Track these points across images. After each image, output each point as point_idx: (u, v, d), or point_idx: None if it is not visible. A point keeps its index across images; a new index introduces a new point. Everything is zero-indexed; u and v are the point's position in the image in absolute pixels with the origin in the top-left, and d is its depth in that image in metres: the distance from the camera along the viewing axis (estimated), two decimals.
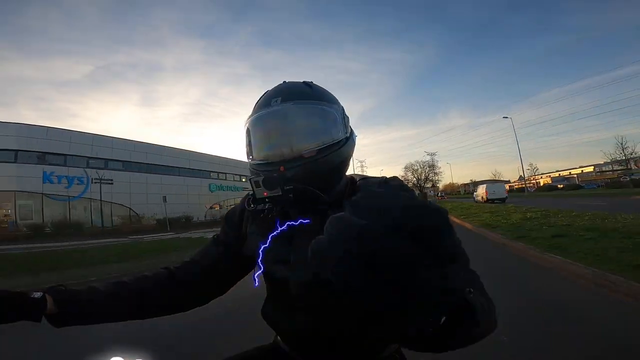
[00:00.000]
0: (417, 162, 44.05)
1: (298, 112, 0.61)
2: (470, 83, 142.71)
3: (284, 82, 0.67)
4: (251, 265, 0.70)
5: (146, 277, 0.68)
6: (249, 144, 0.66)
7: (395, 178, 0.64)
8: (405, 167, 44.40)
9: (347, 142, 0.65)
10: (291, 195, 0.59)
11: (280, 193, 0.59)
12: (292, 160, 0.60)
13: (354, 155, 0.70)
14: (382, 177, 0.65)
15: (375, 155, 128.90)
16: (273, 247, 0.63)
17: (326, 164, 0.61)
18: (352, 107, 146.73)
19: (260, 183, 0.60)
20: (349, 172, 0.71)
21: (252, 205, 0.64)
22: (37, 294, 0.57)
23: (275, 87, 0.66)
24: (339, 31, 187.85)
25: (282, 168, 0.59)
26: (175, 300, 0.69)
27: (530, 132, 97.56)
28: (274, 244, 0.63)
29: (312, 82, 0.67)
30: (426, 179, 42.74)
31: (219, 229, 0.76)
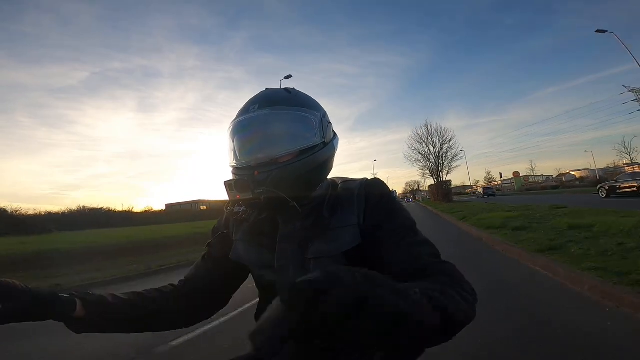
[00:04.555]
0: (413, 181, 74.52)
1: (273, 119, 0.62)
2: (467, 84, 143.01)
3: (267, 88, 0.69)
4: (247, 273, 0.72)
5: (158, 291, 0.69)
6: (230, 149, 0.68)
7: (376, 179, 0.65)
8: (406, 184, 76.46)
9: (324, 147, 0.64)
10: (262, 199, 0.60)
11: (251, 196, 0.60)
12: (267, 165, 0.61)
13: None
14: (363, 179, 0.65)
15: (373, 158, 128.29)
16: (257, 253, 0.65)
17: (301, 169, 0.61)
18: (349, 110, 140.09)
19: (233, 186, 0.62)
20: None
21: (228, 208, 0.65)
22: (65, 295, 0.57)
23: (257, 94, 0.67)
24: (334, 35, 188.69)
25: (256, 172, 0.61)
26: (182, 315, 0.71)
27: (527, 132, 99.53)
28: (258, 249, 0.65)
29: (293, 88, 0.69)
30: (417, 189, 75.88)
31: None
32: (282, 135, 0.62)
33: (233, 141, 0.66)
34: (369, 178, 0.65)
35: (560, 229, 6.16)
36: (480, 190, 48.72)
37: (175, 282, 0.73)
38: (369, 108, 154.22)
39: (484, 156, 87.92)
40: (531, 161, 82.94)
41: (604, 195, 15.37)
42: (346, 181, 0.67)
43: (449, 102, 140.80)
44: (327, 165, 0.66)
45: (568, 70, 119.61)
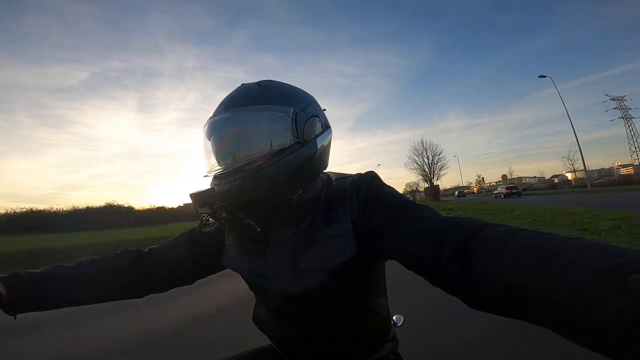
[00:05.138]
0: (412, 182, 75.73)
1: (232, 122, 0.55)
2: (467, 85, 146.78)
3: (242, 84, 0.60)
4: (220, 268, 0.70)
5: (114, 260, 0.67)
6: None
7: (368, 173, 0.60)
8: (406, 185, 77.65)
9: (301, 147, 0.54)
10: (224, 215, 0.57)
11: (210, 210, 0.57)
12: (232, 174, 0.54)
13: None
14: (357, 174, 0.61)
15: (373, 158, 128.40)
16: (248, 261, 0.62)
17: (269, 175, 0.53)
18: (349, 110, 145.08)
19: (194, 198, 0.58)
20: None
21: (204, 217, 0.63)
22: None
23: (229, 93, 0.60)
24: (334, 35, 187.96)
25: (221, 182, 0.55)
26: (136, 287, 0.69)
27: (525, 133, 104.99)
28: (249, 257, 0.62)
29: (269, 80, 0.60)
30: (416, 190, 77.72)
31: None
32: (242, 141, 0.55)
33: (202, 148, 0.60)
34: (363, 173, 0.61)
35: (465, 212, 14.12)
36: (456, 193, 64.67)
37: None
38: (369, 108, 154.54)
39: (485, 157, 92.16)
40: (510, 166, 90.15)
41: (494, 197, 32.77)
42: (340, 178, 0.62)
43: (449, 102, 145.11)
44: (308, 166, 0.56)
45: (568, 71, 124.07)
